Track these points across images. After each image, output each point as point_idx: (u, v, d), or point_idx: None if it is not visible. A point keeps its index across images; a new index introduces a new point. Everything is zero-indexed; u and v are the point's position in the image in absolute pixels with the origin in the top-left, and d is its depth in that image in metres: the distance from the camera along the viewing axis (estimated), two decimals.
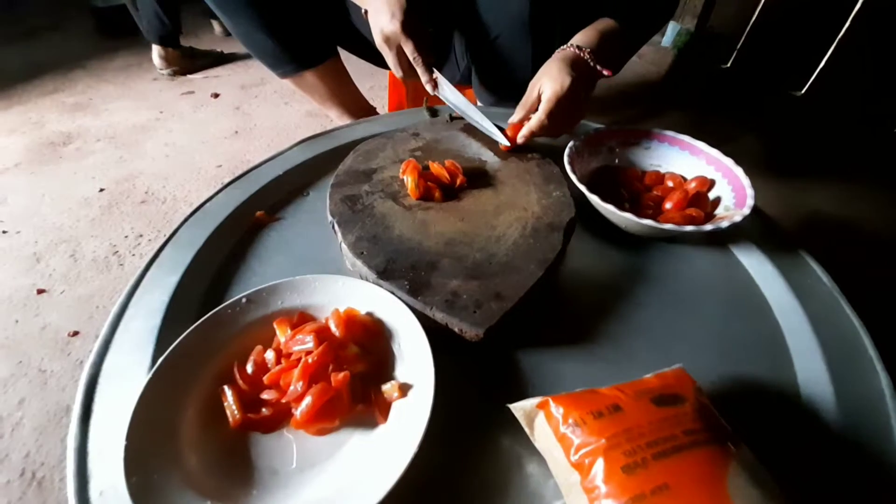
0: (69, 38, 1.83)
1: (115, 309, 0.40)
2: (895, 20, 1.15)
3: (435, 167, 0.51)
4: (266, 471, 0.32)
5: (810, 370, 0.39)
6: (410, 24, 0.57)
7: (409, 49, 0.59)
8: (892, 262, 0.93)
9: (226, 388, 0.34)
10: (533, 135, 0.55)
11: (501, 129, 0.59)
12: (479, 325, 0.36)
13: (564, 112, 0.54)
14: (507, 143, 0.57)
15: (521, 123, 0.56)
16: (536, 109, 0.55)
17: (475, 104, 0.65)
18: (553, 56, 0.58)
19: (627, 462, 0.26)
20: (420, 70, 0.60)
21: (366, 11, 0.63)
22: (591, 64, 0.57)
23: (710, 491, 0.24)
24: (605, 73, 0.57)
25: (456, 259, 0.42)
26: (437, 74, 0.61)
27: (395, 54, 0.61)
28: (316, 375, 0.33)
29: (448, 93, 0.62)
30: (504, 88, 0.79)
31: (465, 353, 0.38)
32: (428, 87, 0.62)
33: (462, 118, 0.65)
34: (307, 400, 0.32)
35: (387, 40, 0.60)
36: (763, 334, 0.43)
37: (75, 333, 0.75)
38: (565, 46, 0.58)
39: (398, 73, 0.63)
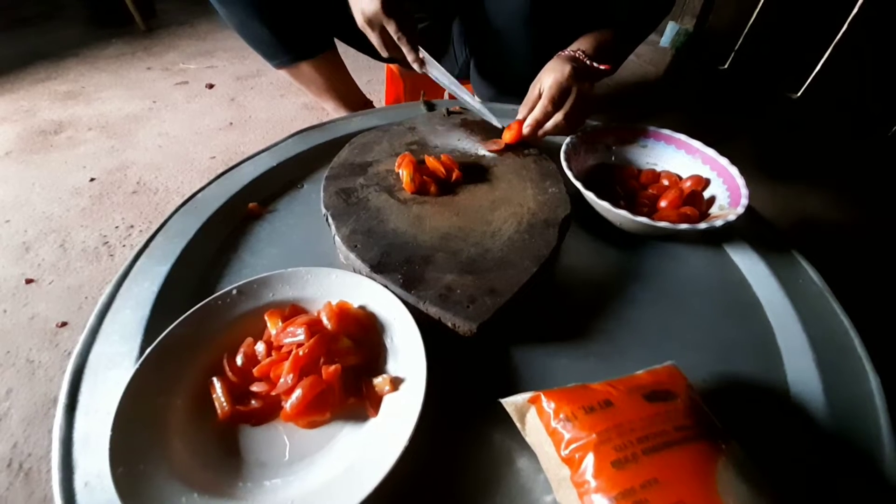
0: (62, 26, 1.81)
1: (103, 298, 0.40)
2: (892, 24, 1.15)
3: (431, 161, 0.51)
4: (255, 463, 0.31)
5: (800, 369, 0.39)
6: (391, 3, 0.56)
7: (391, 29, 0.58)
8: (884, 263, 0.94)
9: (215, 379, 0.34)
10: (538, 124, 0.55)
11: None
12: (472, 320, 0.36)
13: (568, 98, 0.54)
14: (498, 125, 0.57)
15: (525, 119, 0.56)
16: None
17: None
18: (551, 60, 0.58)
19: (618, 457, 0.26)
20: (405, 49, 0.60)
21: None
22: (588, 63, 0.57)
23: (700, 486, 0.25)
24: (602, 67, 0.58)
25: (450, 254, 0.42)
26: (423, 53, 0.60)
27: (379, 34, 0.60)
28: (307, 368, 0.33)
29: (436, 71, 0.61)
30: (504, 80, 0.79)
31: (457, 347, 0.38)
32: (415, 66, 0.61)
33: (459, 113, 0.65)
34: (297, 392, 0.32)
35: (369, 22, 0.59)
36: (754, 333, 0.43)
37: (64, 324, 0.74)
38: (562, 52, 0.59)
39: (384, 53, 0.63)
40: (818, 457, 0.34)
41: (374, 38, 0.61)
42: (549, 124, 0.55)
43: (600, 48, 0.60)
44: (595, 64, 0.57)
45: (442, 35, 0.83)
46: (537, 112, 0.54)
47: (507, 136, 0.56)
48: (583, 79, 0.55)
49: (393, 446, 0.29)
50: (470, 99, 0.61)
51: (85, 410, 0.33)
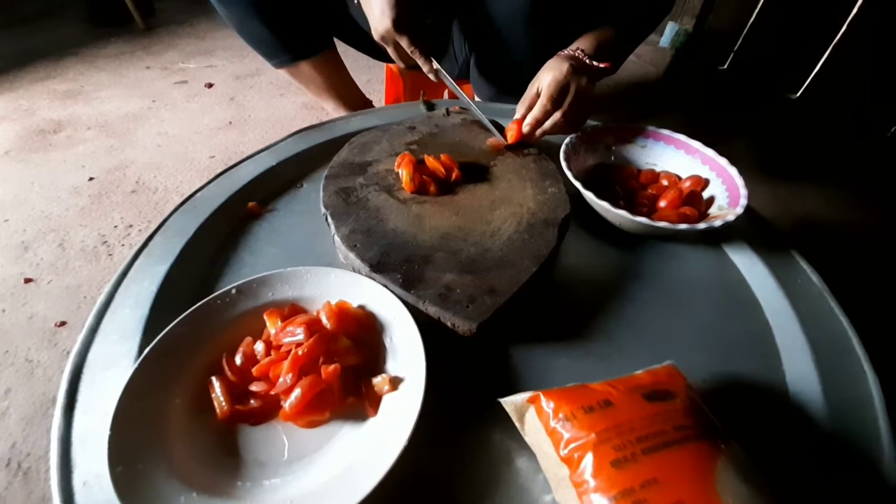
0: (62, 24, 1.80)
1: (101, 297, 0.40)
2: (891, 25, 1.15)
3: (430, 161, 0.50)
4: (254, 463, 0.31)
5: (799, 369, 0.39)
6: (402, 18, 0.57)
7: (404, 43, 0.59)
8: (882, 264, 0.94)
9: (214, 379, 0.34)
10: (538, 122, 0.55)
11: (498, 127, 0.59)
12: (472, 320, 0.36)
13: (566, 97, 0.54)
14: (502, 140, 0.57)
15: (524, 118, 0.56)
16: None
17: (472, 99, 0.65)
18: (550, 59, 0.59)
19: (617, 457, 0.26)
20: (420, 62, 0.60)
21: (358, 2, 0.62)
22: (587, 61, 0.57)
23: (699, 485, 0.25)
24: (602, 65, 0.57)
25: (450, 253, 0.42)
26: (436, 65, 0.61)
27: (394, 48, 0.61)
28: (306, 367, 0.33)
29: (449, 82, 0.62)
30: (504, 80, 0.79)
31: (457, 347, 0.38)
32: (431, 77, 0.62)
33: (459, 112, 0.64)
34: (296, 392, 0.32)
35: (382, 38, 0.60)
36: (753, 333, 0.43)
37: (62, 324, 0.74)
38: (561, 51, 0.59)
39: (401, 65, 0.64)
40: (817, 457, 0.34)
41: (390, 51, 0.62)
42: (548, 123, 0.55)
43: (600, 47, 0.60)
44: (595, 63, 0.57)
45: (442, 34, 0.83)
46: (536, 111, 0.54)
47: (510, 137, 0.56)
48: (581, 77, 0.55)
49: (392, 446, 0.29)
50: (479, 115, 0.61)
51: (83, 410, 0.33)
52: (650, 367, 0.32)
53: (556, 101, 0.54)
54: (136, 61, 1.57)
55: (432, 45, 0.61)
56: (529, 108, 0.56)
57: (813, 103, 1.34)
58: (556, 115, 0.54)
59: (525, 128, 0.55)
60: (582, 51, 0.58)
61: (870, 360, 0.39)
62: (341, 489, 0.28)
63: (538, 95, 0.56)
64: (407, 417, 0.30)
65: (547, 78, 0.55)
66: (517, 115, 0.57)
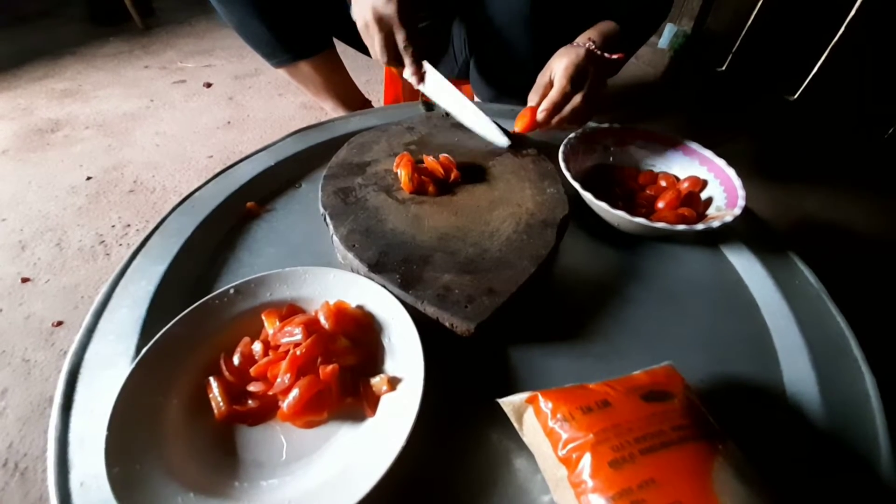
0: (61, 24, 1.80)
1: (99, 297, 0.40)
2: (889, 27, 1.16)
3: (429, 161, 0.50)
4: (252, 463, 0.31)
5: (796, 370, 0.39)
6: (406, 9, 0.54)
7: (401, 37, 0.55)
8: (879, 264, 0.94)
9: (211, 379, 0.34)
10: (556, 106, 0.52)
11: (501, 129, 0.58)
12: (470, 320, 0.36)
13: (585, 81, 0.52)
14: (506, 141, 0.55)
15: (538, 106, 0.54)
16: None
17: (472, 100, 0.64)
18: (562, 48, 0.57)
19: (615, 457, 0.26)
20: (408, 61, 0.57)
21: None
22: (599, 52, 0.56)
23: (696, 486, 0.25)
24: (615, 56, 0.55)
25: (449, 253, 0.42)
26: (427, 67, 0.58)
27: (384, 37, 0.55)
28: (304, 368, 0.33)
29: (434, 87, 0.58)
30: (504, 81, 0.79)
31: (455, 347, 0.38)
32: (413, 80, 0.58)
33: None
34: (294, 392, 0.32)
35: (379, 21, 0.54)
36: (751, 333, 0.43)
37: (60, 323, 0.74)
38: (571, 43, 0.58)
39: (382, 58, 0.58)
40: (814, 456, 0.34)
41: (377, 39, 0.56)
42: (567, 108, 0.52)
43: (609, 39, 0.58)
44: (606, 54, 0.55)
45: (442, 35, 0.83)
46: (554, 94, 0.52)
47: (519, 125, 0.55)
48: (597, 65, 0.53)
49: (390, 446, 0.29)
50: (475, 115, 0.57)
51: (81, 410, 0.33)
52: (648, 368, 0.32)
53: (575, 84, 0.51)
54: (135, 61, 1.57)
55: (426, 49, 0.57)
56: (543, 97, 0.54)
57: (811, 104, 1.35)
58: (577, 100, 0.52)
59: (541, 114, 0.53)
60: (593, 41, 0.56)
61: (867, 361, 0.39)
62: (339, 490, 0.28)
63: (551, 83, 0.53)
64: (405, 418, 0.30)
65: (562, 63, 0.52)
66: (531, 103, 0.55)
